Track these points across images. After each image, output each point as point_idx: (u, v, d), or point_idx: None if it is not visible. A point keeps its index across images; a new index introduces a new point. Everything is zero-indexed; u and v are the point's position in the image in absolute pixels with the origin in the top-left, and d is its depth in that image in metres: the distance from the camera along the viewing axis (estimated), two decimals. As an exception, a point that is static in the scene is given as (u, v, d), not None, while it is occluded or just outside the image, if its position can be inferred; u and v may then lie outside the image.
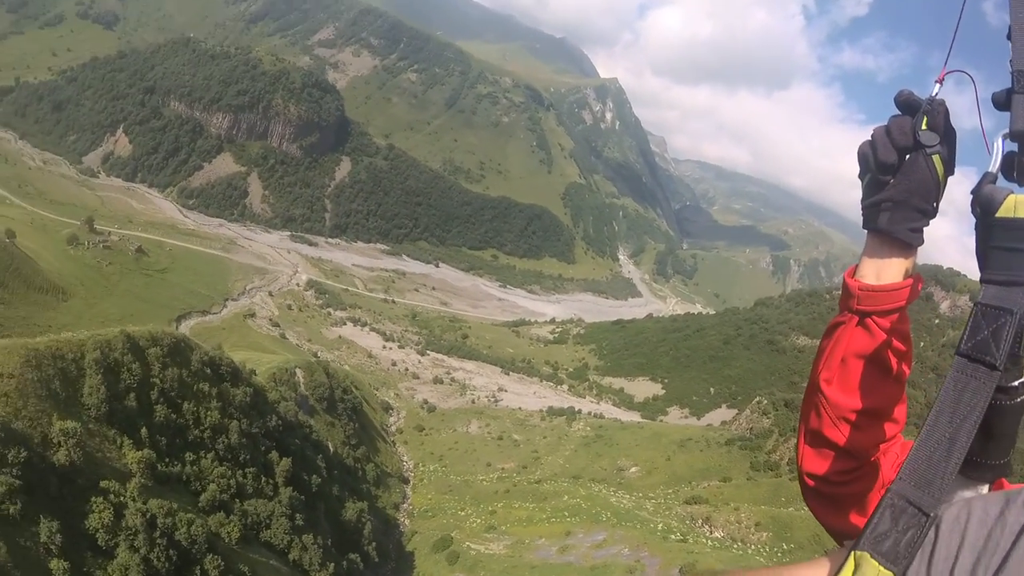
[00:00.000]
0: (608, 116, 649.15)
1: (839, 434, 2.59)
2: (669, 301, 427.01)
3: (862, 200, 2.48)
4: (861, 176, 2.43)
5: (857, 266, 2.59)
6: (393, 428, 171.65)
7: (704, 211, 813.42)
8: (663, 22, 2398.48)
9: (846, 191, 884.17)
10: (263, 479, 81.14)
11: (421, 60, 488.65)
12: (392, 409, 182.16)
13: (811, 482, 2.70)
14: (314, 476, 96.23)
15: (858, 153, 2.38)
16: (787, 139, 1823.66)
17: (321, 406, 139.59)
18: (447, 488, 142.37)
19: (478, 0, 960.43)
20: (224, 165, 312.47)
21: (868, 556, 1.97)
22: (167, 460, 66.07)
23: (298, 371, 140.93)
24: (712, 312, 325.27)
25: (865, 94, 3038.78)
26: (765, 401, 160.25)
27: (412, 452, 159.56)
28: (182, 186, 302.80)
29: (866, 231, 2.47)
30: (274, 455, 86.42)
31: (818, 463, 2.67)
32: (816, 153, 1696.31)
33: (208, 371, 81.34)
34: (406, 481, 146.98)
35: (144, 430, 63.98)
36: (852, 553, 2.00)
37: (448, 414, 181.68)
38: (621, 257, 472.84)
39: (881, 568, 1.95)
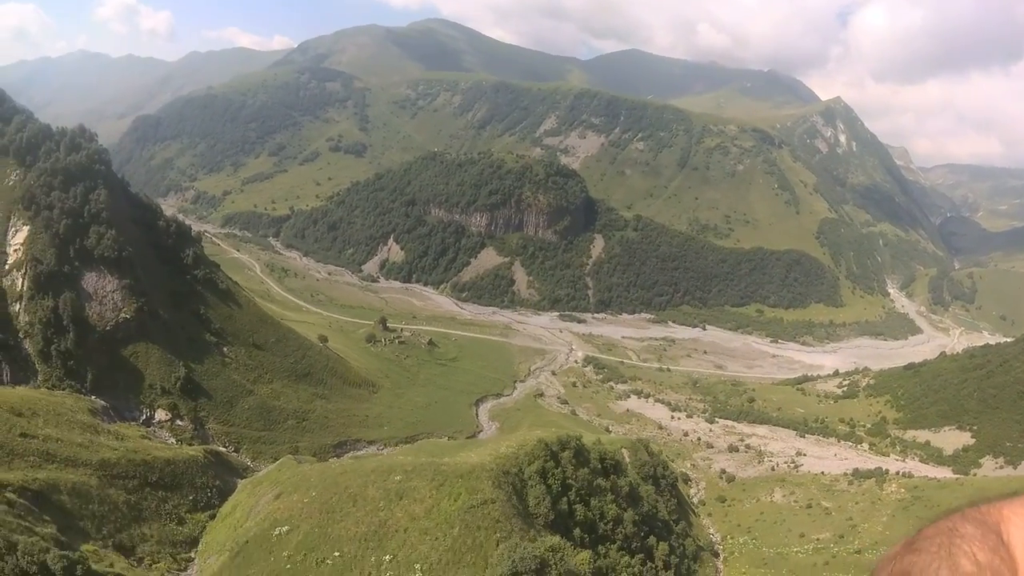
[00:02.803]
0: (842, 139, 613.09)
1: None
2: (953, 333, 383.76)
3: None
4: None
5: None
6: (695, 500, 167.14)
7: (969, 220, 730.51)
8: (868, 24, 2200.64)
9: None
10: (647, 564, 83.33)
11: (643, 128, 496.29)
12: (691, 480, 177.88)
13: None
14: (672, 556, 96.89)
15: None
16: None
17: (647, 483, 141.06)
18: (761, 562, 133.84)
19: (678, 57, 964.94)
20: (488, 258, 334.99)
21: None
22: (595, 558, 69.92)
23: (624, 451, 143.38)
24: (1007, 340, 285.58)
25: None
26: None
27: (718, 524, 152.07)
28: (454, 281, 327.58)
29: None
30: (652, 539, 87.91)
31: None
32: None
33: (600, 466, 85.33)
34: (716, 555, 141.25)
35: (577, 530, 67.08)
36: None
37: (749, 483, 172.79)
38: (891, 291, 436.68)
39: None
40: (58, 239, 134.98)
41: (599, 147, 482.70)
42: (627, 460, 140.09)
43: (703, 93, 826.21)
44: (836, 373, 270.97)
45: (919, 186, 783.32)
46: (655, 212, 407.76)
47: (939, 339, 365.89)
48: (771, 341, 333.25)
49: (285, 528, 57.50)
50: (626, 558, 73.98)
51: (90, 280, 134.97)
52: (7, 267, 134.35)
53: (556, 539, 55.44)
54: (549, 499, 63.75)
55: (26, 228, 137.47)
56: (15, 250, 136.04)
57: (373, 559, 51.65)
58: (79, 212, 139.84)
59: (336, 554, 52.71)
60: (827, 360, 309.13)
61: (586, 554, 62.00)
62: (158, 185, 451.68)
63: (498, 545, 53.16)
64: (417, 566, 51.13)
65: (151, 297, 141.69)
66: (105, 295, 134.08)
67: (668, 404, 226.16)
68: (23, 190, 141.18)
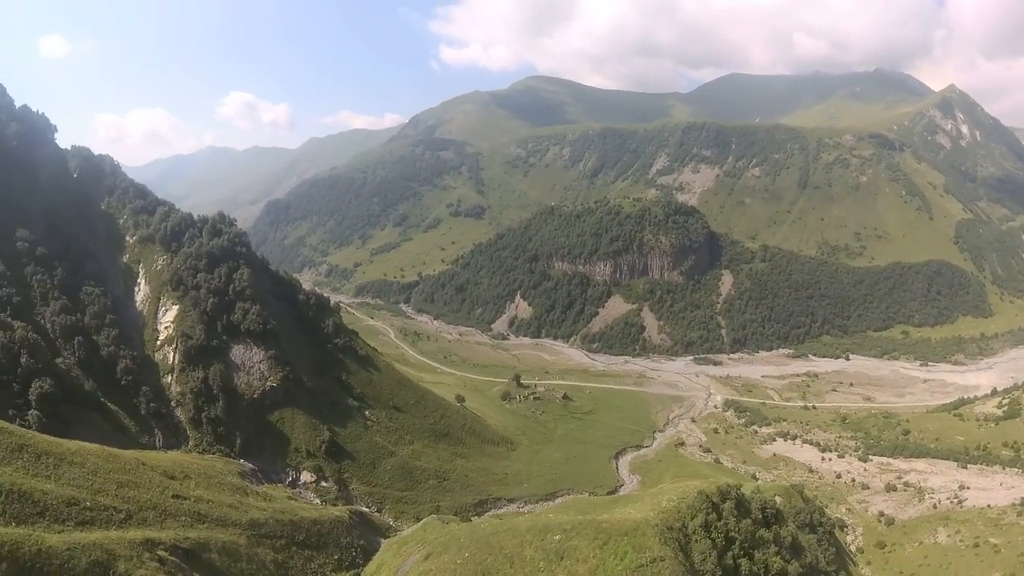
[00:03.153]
0: (964, 130, 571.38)
1: None
2: None
3: None
4: None
5: None
6: (853, 547, 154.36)
7: None
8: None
9: None
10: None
11: (756, 152, 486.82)
12: (847, 526, 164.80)
13: None
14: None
15: None
16: None
17: (805, 532, 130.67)
18: None
19: (779, 73, 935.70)
20: (616, 307, 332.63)
21: None
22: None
23: (777, 498, 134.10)
24: None
25: None
26: None
27: (878, 573, 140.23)
28: (583, 333, 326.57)
29: None
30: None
31: None
32: None
33: (761, 516, 79.82)
34: None
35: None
36: None
37: (910, 525, 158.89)
38: None
39: None
40: (206, 316, 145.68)
41: (714, 179, 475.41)
42: (780, 506, 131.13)
43: (812, 106, 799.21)
44: (995, 392, 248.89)
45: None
46: (781, 239, 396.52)
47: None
48: (920, 364, 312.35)
49: None
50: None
51: (238, 352, 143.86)
52: (159, 343, 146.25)
53: None
54: (715, 554, 59.07)
55: (175, 307, 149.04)
56: (166, 327, 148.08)
57: None
58: (224, 291, 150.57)
59: None
60: (983, 379, 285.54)
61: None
62: (292, 262, 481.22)
63: None
64: None
65: (295, 366, 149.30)
66: (252, 365, 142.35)
67: (817, 444, 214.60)
68: (171, 273, 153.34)
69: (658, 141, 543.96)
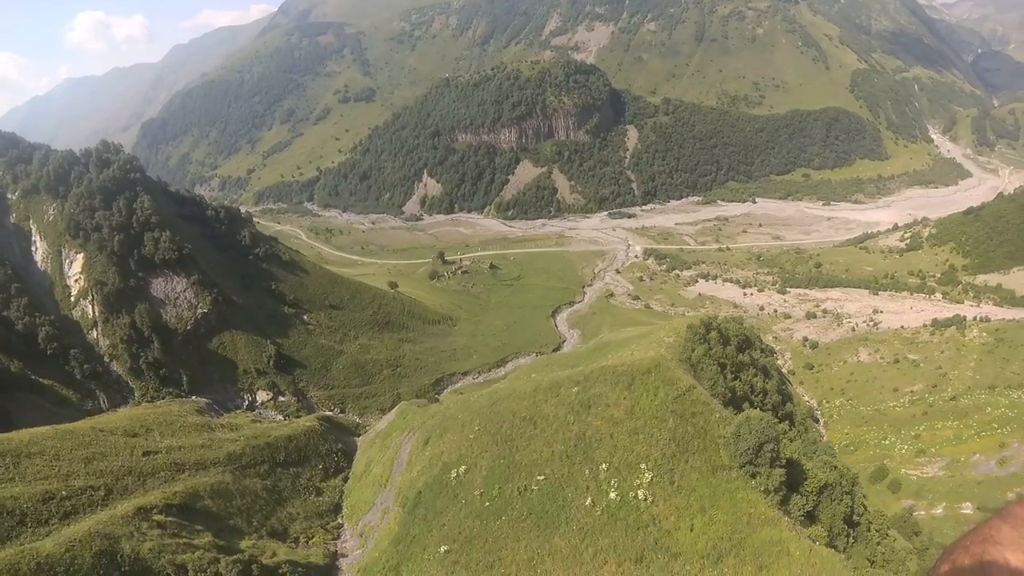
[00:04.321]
0: None
1: None
2: (1003, 173, 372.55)
3: None
4: None
5: None
6: (784, 370, 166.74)
7: (1002, 55, 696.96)
8: None
9: None
10: (792, 429, 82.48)
11: (651, 7, 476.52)
12: (776, 352, 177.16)
13: None
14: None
15: None
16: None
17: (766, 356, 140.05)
18: (861, 420, 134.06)
19: None
20: (526, 172, 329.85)
21: None
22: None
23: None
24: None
25: None
26: None
27: (810, 390, 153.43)
28: (496, 202, 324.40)
29: None
30: (790, 406, 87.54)
31: None
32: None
33: (735, 342, 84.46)
34: (816, 420, 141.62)
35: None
36: None
37: (833, 347, 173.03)
38: (934, 136, 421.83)
39: None
40: (115, 256, 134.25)
41: (610, 37, 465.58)
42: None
43: None
44: (896, 227, 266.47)
45: (945, 24, 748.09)
46: (682, 92, 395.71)
47: (990, 180, 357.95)
48: (823, 204, 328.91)
49: (462, 468, 56.48)
50: (781, 425, 76.44)
51: (159, 286, 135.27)
52: (73, 298, 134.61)
53: (758, 411, 54.20)
54: (721, 379, 63.00)
55: (80, 256, 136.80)
56: (76, 280, 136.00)
57: (586, 472, 50.51)
58: (128, 225, 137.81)
59: (540, 477, 51.57)
60: (883, 215, 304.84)
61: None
62: (181, 182, 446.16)
63: (720, 427, 51.89)
64: (642, 465, 49.88)
65: (222, 287, 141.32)
66: (177, 296, 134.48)
67: (737, 282, 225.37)
68: (66, 220, 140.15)
69: (549, 1, 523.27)
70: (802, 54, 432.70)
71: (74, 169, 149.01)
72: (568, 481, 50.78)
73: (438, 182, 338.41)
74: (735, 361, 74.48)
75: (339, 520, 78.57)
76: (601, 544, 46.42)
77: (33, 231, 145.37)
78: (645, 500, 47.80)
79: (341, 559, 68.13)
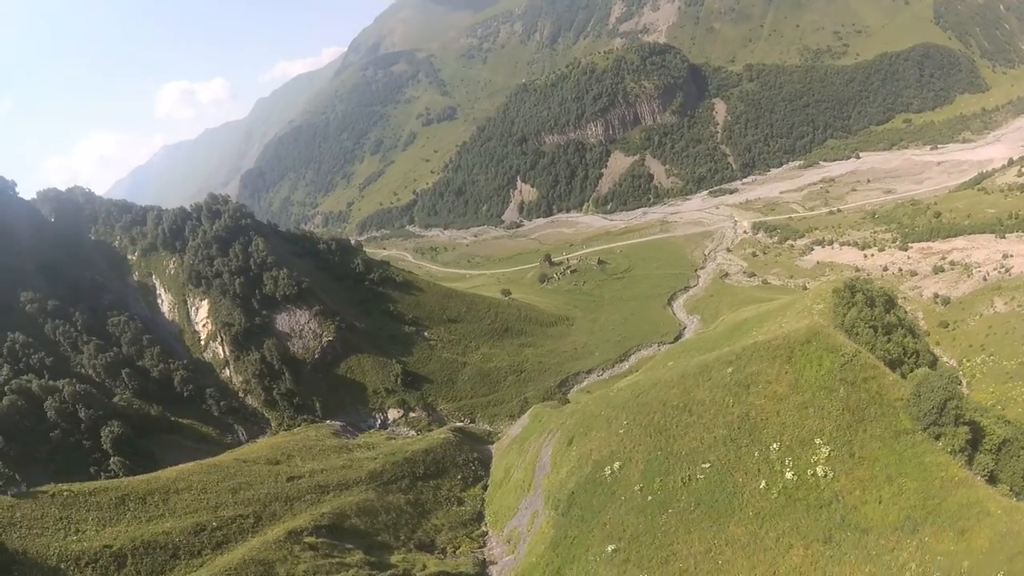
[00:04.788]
0: None
1: None
2: None
3: None
4: None
5: None
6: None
7: None
8: None
9: None
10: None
11: None
12: (907, 312, 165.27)
13: None
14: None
15: None
16: None
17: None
18: (1006, 377, 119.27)
19: None
20: (618, 163, 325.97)
21: None
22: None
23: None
24: None
25: None
26: None
27: (947, 350, 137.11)
28: (593, 197, 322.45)
29: None
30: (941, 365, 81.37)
31: None
32: None
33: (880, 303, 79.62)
34: (959, 381, 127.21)
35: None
36: None
37: (966, 301, 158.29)
38: None
39: None
40: (239, 298, 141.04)
41: (677, 12, 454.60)
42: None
43: None
44: (1011, 162, 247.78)
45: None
46: (762, 56, 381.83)
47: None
48: (930, 149, 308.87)
49: (616, 464, 54.59)
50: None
51: (283, 321, 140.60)
52: (203, 342, 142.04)
53: (931, 370, 49.40)
54: (877, 342, 58.29)
55: (205, 302, 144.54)
56: (203, 325, 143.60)
57: (755, 454, 48.00)
58: (246, 267, 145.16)
59: (704, 465, 49.54)
60: (994, 151, 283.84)
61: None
62: (286, 223, 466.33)
63: (895, 389, 47.80)
64: (817, 440, 47.12)
65: (343, 314, 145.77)
66: (302, 328, 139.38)
67: (855, 244, 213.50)
68: (186, 271, 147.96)
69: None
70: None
71: (187, 223, 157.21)
72: (736, 466, 48.49)
73: (532, 186, 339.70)
74: (884, 323, 68.97)
75: (483, 528, 78.82)
76: (783, 528, 44.16)
77: (157, 285, 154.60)
78: (825, 476, 45.19)
79: (490, 566, 67.58)
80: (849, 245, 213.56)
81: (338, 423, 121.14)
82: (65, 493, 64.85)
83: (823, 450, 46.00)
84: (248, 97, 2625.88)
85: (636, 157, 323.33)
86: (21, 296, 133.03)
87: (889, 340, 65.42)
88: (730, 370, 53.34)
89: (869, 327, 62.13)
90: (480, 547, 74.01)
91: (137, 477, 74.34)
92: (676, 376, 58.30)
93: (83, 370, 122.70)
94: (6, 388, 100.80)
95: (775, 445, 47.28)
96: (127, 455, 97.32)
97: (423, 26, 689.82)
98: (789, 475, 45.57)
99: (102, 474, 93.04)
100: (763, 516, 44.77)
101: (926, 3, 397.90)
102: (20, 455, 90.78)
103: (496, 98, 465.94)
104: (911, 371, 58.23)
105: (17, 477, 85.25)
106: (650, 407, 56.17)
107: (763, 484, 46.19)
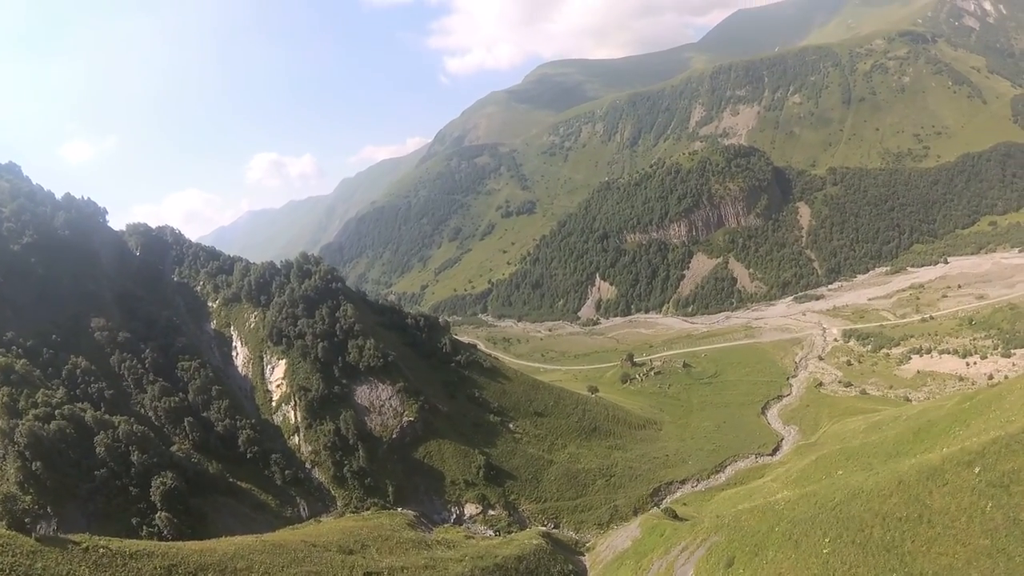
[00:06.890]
0: (987, 7, 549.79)
1: None
2: None
3: None
4: None
5: None
6: None
7: None
8: None
9: None
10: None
11: (791, 80, 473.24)
12: None
13: None
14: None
15: None
16: None
17: None
18: None
19: None
20: (701, 265, 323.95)
21: None
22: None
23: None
24: None
25: None
26: None
27: None
28: (674, 299, 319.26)
29: None
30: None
31: None
32: None
33: None
34: None
35: None
36: None
37: None
38: None
39: None
40: (319, 363, 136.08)
41: (756, 117, 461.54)
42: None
43: (827, 23, 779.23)
44: None
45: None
46: (842, 159, 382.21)
47: None
48: (1019, 251, 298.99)
49: None
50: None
51: (363, 393, 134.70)
52: (275, 403, 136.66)
53: None
54: None
55: (282, 362, 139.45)
56: (278, 385, 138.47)
57: None
58: (331, 332, 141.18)
59: None
60: None
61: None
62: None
63: None
64: None
65: (426, 394, 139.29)
66: (382, 404, 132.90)
67: (955, 352, 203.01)
68: (268, 327, 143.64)
69: (688, 94, 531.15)
70: (955, 93, 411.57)
71: (275, 279, 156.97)
72: (1013, 580, 40.45)
73: (612, 284, 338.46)
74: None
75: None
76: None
77: (234, 337, 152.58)
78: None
79: None
80: (948, 353, 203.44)
81: (412, 512, 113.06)
82: (101, 550, 55.13)
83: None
84: (333, 175, 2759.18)
85: (719, 260, 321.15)
86: (92, 322, 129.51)
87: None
88: (977, 470, 44.44)
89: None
90: None
91: (189, 544, 66.63)
92: (893, 482, 49.40)
93: (143, 410, 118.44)
94: (57, 412, 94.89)
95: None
96: (176, 512, 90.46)
97: (507, 123, 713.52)
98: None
99: (143, 527, 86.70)
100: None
101: (1004, 101, 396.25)
102: (58, 487, 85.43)
103: (575, 195, 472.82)
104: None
105: (49, 511, 80.00)
106: (862, 521, 47.48)
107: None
